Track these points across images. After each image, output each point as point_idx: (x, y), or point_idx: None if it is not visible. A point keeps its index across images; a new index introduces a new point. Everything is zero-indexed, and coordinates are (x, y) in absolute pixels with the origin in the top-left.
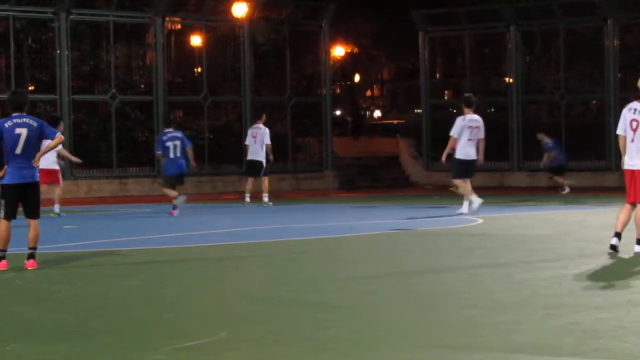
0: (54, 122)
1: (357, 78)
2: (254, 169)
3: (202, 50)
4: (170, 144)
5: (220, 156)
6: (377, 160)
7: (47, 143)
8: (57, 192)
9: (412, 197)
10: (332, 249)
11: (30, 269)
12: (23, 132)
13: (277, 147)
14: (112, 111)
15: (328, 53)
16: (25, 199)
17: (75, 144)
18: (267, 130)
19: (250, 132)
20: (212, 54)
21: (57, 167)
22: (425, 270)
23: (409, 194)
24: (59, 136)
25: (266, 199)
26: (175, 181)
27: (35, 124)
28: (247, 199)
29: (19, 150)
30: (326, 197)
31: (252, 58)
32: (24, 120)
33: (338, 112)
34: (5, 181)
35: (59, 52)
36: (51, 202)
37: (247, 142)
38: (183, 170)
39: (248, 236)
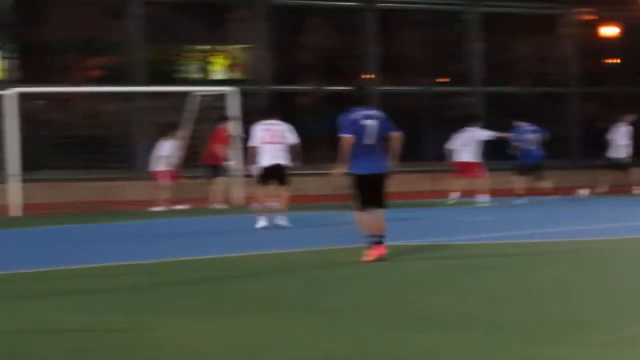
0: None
1: None
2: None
3: (616, 42)
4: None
5: None
6: None
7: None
8: (479, 183)
9: None
10: None
11: (374, 256)
12: (371, 124)
13: None
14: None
15: None
16: (374, 189)
17: None
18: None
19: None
20: (627, 45)
21: (476, 160)
22: None
23: None
24: (398, 137)
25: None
26: None
27: (381, 116)
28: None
29: (368, 141)
30: None
31: None
32: (371, 112)
33: None
34: (356, 172)
35: (471, 44)
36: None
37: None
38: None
39: None
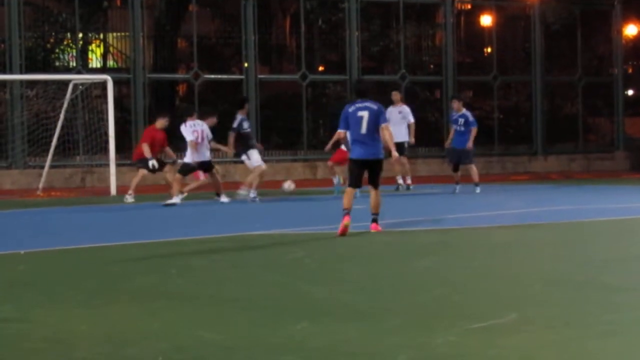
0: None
1: None
2: None
3: (491, 30)
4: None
5: (509, 136)
6: None
7: None
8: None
9: None
10: (625, 230)
11: (373, 231)
12: (364, 114)
13: (568, 127)
14: (401, 91)
15: (620, 32)
16: (370, 172)
17: None
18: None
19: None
20: (501, 33)
21: None
22: None
23: None
24: (385, 127)
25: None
26: None
27: (375, 107)
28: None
29: (363, 130)
30: (617, 178)
31: (542, 37)
32: (365, 104)
33: (630, 92)
34: (352, 156)
35: (348, 32)
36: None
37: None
38: None
39: (537, 217)
